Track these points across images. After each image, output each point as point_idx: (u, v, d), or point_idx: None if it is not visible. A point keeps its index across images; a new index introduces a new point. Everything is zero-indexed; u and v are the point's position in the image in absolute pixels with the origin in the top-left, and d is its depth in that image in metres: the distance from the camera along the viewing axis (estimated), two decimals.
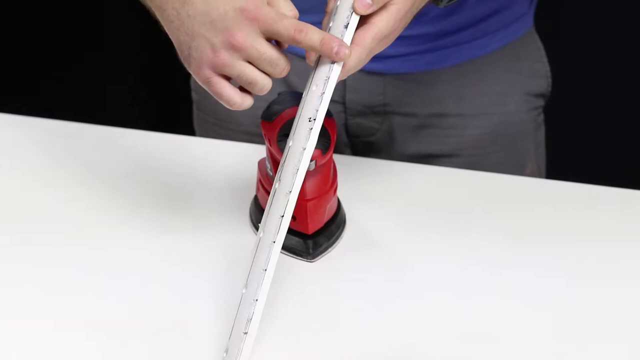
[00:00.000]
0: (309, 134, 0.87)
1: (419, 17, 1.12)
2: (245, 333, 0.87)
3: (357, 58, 0.88)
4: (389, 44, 0.91)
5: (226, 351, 0.88)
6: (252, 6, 0.85)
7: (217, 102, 0.91)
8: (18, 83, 2.15)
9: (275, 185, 0.89)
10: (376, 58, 1.16)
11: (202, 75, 0.88)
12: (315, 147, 0.95)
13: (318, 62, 0.88)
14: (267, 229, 0.87)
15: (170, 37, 0.91)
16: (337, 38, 0.86)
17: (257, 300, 0.87)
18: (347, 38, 0.87)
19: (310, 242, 1.00)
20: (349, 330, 0.93)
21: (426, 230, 1.05)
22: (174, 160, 1.15)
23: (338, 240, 1.03)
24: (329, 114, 0.99)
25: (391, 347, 0.91)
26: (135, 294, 0.96)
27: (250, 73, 0.87)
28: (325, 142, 0.97)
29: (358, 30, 0.88)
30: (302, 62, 0.91)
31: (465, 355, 0.90)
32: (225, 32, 0.85)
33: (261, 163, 1.02)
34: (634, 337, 0.93)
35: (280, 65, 0.87)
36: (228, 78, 0.88)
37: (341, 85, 1.19)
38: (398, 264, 1.01)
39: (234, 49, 0.86)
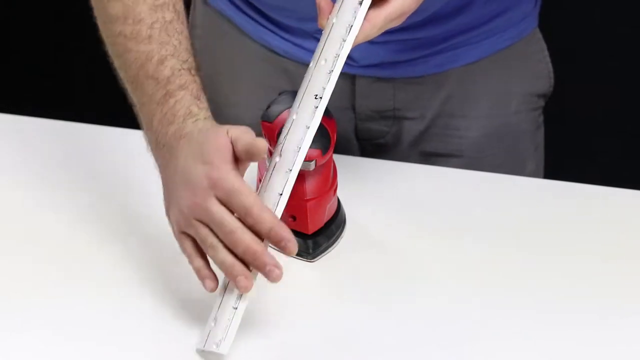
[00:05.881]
0: (314, 112, 0.88)
1: (427, 20, 1.12)
2: (235, 308, 0.88)
3: (366, 35, 0.89)
4: (401, 21, 0.91)
5: (214, 320, 0.89)
6: (216, 174, 0.87)
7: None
8: (18, 83, 2.15)
9: (275, 159, 0.89)
10: (385, 65, 1.16)
11: (176, 232, 0.92)
12: (315, 147, 0.95)
13: (328, 35, 0.89)
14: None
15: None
16: (285, 234, 0.86)
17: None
18: (361, 15, 0.88)
19: (310, 242, 1.00)
20: (349, 330, 0.93)
21: (426, 230, 1.05)
22: None
23: (338, 240, 1.03)
24: (329, 114, 0.99)
25: (391, 346, 0.91)
26: (135, 292, 0.96)
27: (199, 228, 0.88)
28: (325, 142, 0.97)
29: (373, 8, 0.89)
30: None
31: (466, 355, 0.90)
32: (191, 194, 0.88)
33: (261, 163, 1.02)
34: (635, 336, 0.93)
35: (225, 223, 0.87)
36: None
37: (350, 91, 1.19)
38: (398, 264, 1.01)
39: (194, 210, 0.88)
